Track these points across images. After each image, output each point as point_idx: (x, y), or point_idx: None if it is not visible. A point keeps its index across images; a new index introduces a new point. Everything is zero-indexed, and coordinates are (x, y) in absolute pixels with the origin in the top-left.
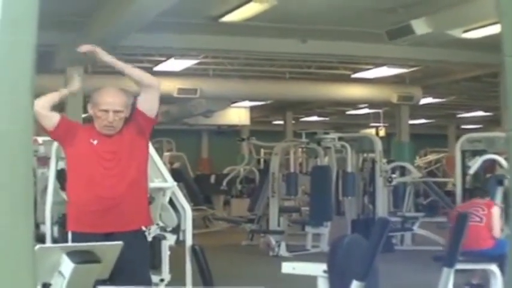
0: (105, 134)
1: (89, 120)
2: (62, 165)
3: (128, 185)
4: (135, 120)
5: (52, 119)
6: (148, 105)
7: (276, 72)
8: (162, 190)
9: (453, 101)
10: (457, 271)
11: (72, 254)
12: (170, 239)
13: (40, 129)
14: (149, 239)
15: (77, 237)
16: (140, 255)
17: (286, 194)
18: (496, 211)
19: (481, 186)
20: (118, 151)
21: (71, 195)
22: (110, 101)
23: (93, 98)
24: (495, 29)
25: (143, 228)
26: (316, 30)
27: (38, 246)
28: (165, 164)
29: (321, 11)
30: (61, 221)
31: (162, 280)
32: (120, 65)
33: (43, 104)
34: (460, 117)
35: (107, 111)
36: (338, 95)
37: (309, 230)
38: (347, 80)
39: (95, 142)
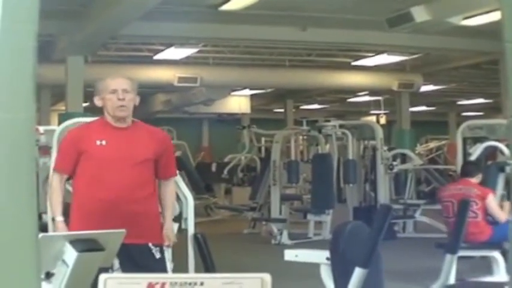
0: (117, 129)
1: (91, 110)
2: None
3: (142, 189)
4: (163, 152)
5: (63, 179)
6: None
7: (276, 60)
8: None
9: (454, 88)
10: (460, 258)
11: (76, 243)
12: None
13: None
14: (157, 256)
15: None
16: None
17: (288, 182)
18: (490, 200)
19: (472, 161)
20: (131, 151)
21: (76, 196)
22: (116, 82)
23: (99, 86)
24: (495, 16)
25: (151, 245)
26: (316, 18)
27: (41, 235)
28: None
29: None
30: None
31: None
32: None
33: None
34: (460, 105)
35: (115, 90)
36: (338, 82)
37: (311, 217)
38: (347, 67)
39: (104, 143)
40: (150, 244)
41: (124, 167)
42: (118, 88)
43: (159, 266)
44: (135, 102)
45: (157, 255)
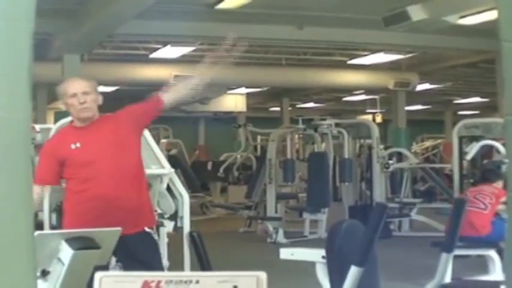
0: (86, 128)
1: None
2: None
3: (127, 183)
4: (133, 114)
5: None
6: (171, 100)
7: (272, 59)
8: (159, 177)
9: (450, 87)
10: (456, 257)
11: (71, 241)
12: (168, 226)
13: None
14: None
15: None
16: (148, 254)
17: (284, 181)
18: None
19: (492, 168)
20: (105, 146)
21: (68, 198)
22: (75, 85)
23: (60, 91)
24: (491, 15)
25: (146, 229)
26: (312, 17)
27: (37, 232)
28: (162, 150)
29: None
30: (59, 209)
31: None
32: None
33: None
34: (456, 103)
35: (75, 94)
36: (335, 81)
37: (307, 216)
38: (343, 66)
39: (78, 145)
40: (146, 228)
41: (106, 163)
42: (77, 92)
43: (156, 250)
44: (98, 101)
45: (155, 237)
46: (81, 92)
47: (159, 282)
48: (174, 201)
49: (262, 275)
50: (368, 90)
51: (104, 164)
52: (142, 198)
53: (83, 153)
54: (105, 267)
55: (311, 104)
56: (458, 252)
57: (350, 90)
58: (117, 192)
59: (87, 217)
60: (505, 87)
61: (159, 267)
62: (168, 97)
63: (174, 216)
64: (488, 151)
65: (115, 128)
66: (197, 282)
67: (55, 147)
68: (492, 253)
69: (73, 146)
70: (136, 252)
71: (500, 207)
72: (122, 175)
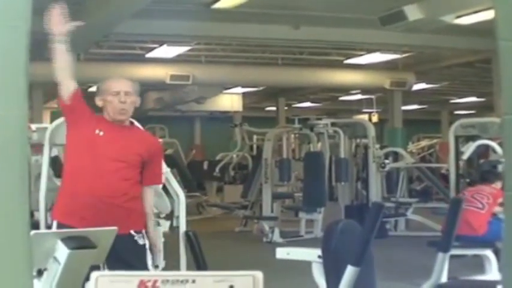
0: (115, 126)
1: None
2: (55, 152)
3: (127, 185)
4: (153, 156)
5: (69, 87)
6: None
7: (268, 59)
8: None
9: (446, 87)
10: (452, 256)
11: (67, 240)
12: (164, 225)
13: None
14: (141, 242)
15: (62, 229)
16: (134, 258)
17: (279, 180)
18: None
19: (490, 168)
20: (123, 148)
21: (65, 183)
22: (119, 84)
23: (101, 87)
24: (488, 15)
25: (132, 232)
26: (308, 16)
27: (33, 232)
28: None
29: None
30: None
31: (156, 266)
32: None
33: (62, 66)
34: (453, 103)
35: (118, 92)
36: (331, 80)
37: (303, 216)
38: (340, 65)
39: (101, 133)
40: (132, 231)
41: (115, 161)
42: (120, 90)
43: (142, 252)
44: (136, 104)
45: (140, 242)
46: (124, 91)
47: (155, 281)
48: (170, 200)
49: (259, 275)
50: (364, 90)
51: (111, 161)
52: (137, 204)
53: (99, 142)
54: (97, 267)
55: (307, 104)
56: (454, 251)
57: (346, 89)
58: (116, 190)
59: (78, 208)
60: (502, 86)
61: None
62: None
63: (170, 216)
64: (484, 151)
65: (138, 142)
66: (193, 281)
67: (88, 113)
68: (488, 253)
69: (97, 131)
70: (121, 255)
71: (498, 208)
72: (122, 178)
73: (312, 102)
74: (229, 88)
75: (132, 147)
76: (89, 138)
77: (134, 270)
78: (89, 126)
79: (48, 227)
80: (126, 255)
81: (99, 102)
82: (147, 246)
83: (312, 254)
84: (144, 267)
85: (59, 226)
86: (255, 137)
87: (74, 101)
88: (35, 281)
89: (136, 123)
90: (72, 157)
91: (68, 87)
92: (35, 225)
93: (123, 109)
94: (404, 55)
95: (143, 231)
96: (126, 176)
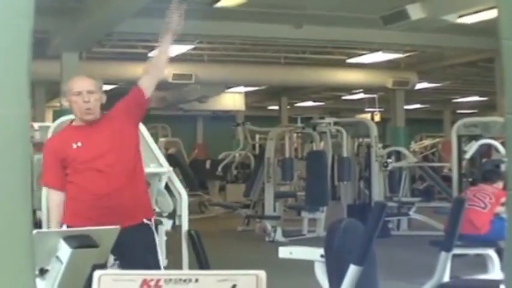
0: (87, 127)
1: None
2: None
3: (126, 178)
4: (125, 108)
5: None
6: (150, 84)
7: (271, 58)
8: (158, 175)
9: (448, 86)
10: (454, 256)
11: (70, 239)
12: (166, 224)
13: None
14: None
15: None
16: (146, 248)
17: (282, 179)
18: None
19: (493, 168)
20: (105, 143)
21: (69, 190)
22: (81, 83)
23: (64, 88)
24: (490, 14)
25: (145, 221)
26: (311, 16)
27: (35, 231)
28: (160, 149)
29: None
30: None
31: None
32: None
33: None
34: (455, 102)
35: (80, 92)
36: (333, 80)
37: (305, 215)
38: (342, 65)
39: (79, 144)
40: (144, 220)
41: (105, 159)
42: (82, 90)
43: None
44: (102, 101)
45: (152, 228)
46: (86, 90)
47: (158, 280)
48: (173, 199)
49: (262, 274)
50: (367, 89)
51: (103, 160)
52: (139, 191)
53: (84, 151)
54: (103, 266)
55: (310, 103)
56: (457, 251)
57: (349, 89)
58: (115, 186)
59: (87, 213)
60: (505, 86)
61: (154, 260)
62: (144, 81)
63: (172, 215)
64: (487, 150)
65: (112, 126)
66: (196, 281)
67: (56, 147)
68: (491, 252)
69: (74, 145)
70: (132, 244)
71: (500, 208)
72: (121, 169)
73: (315, 101)
74: (232, 87)
75: (111, 136)
76: (73, 157)
77: (144, 261)
78: (64, 153)
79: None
80: (137, 245)
81: (65, 103)
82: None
83: (314, 253)
84: (155, 258)
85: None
86: (257, 136)
87: (60, 182)
88: (38, 280)
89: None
90: (69, 175)
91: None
92: (37, 224)
93: (88, 108)
94: (406, 54)
95: (152, 219)
96: (123, 170)
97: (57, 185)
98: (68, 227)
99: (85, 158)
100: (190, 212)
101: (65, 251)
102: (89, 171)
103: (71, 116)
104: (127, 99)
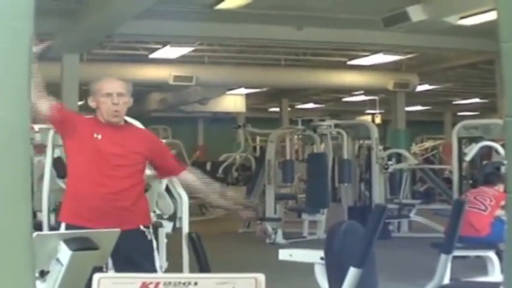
0: (111, 126)
1: (86, 109)
2: (58, 153)
3: (131, 183)
4: (153, 150)
5: (45, 104)
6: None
7: (271, 59)
8: None
9: (449, 88)
10: (455, 258)
11: (70, 241)
12: (167, 227)
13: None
14: (149, 237)
15: (70, 230)
16: (143, 254)
17: (283, 182)
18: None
19: (494, 171)
20: (123, 148)
21: (70, 186)
22: (111, 85)
23: (93, 88)
24: (491, 16)
25: (141, 227)
26: (312, 17)
27: (35, 233)
28: None
29: None
30: (58, 209)
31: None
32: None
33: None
34: (456, 104)
35: (110, 94)
36: (334, 82)
37: (306, 217)
38: (343, 67)
39: (99, 136)
40: (141, 226)
41: (117, 162)
42: (113, 92)
43: (150, 248)
44: (129, 104)
45: (149, 237)
46: (116, 92)
47: (157, 284)
48: (173, 201)
49: (261, 277)
50: (367, 91)
51: (114, 160)
52: (141, 199)
53: (100, 144)
54: (100, 269)
55: (310, 105)
56: (457, 253)
57: (349, 91)
58: (118, 189)
59: (87, 213)
60: (504, 88)
61: (150, 266)
62: (185, 177)
63: (173, 217)
64: (487, 152)
65: (135, 138)
66: (196, 284)
67: (86, 122)
68: (491, 254)
69: (95, 135)
70: (129, 249)
71: (500, 211)
72: (126, 174)
73: (315, 103)
74: (233, 89)
75: (132, 146)
76: (89, 142)
77: (141, 267)
78: (85, 130)
79: (51, 228)
80: (134, 250)
81: (92, 103)
82: (154, 244)
83: (314, 256)
84: (151, 264)
85: (68, 227)
86: (258, 138)
87: (57, 113)
88: (38, 283)
89: (130, 119)
90: (74, 163)
91: (44, 104)
92: (38, 226)
93: (116, 111)
94: (407, 56)
95: (150, 226)
96: (129, 175)
97: (58, 112)
98: (66, 225)
99: (99, 148)
100: (191, 214)
101: (65, 253)
102: (96, 163)
103: None
104: (167, 155)
